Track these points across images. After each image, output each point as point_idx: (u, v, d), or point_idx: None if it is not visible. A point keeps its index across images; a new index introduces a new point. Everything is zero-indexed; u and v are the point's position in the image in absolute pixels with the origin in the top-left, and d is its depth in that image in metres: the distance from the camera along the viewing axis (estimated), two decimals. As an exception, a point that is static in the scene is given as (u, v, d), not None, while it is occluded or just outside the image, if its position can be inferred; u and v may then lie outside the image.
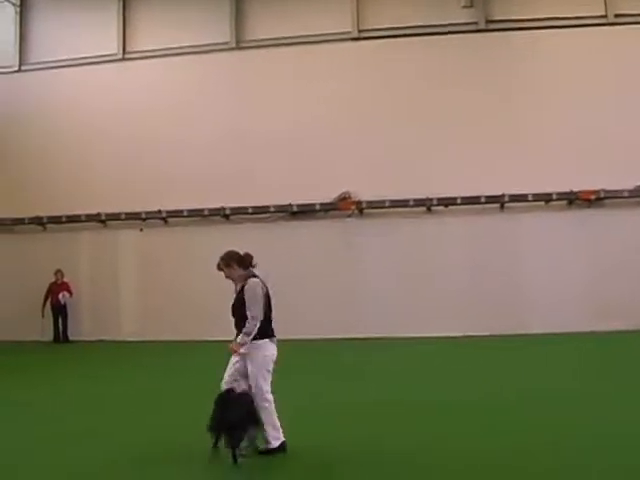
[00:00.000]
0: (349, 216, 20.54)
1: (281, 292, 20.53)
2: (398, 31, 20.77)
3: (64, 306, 21.49)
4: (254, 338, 7.55)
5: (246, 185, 20.68)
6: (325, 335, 19.21)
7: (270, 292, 7.89)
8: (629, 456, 7.23)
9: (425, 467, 7.15)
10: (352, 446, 8.14)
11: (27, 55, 23.24)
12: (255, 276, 7.82)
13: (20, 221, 22.27)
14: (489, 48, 20.46)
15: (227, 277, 7.89)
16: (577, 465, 7.00)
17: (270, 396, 7.61)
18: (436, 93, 20.35)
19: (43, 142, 22.41)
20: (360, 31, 21.10)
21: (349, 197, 20.45)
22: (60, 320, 21.57)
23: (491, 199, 19.75)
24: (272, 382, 7.77)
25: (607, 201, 19.56)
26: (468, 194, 19.71)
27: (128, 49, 22.48)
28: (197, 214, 21.22)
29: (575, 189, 19.36)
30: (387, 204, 20.18)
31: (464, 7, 20.28)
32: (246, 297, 7.61)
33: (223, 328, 7.73)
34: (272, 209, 20.76)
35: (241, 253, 7.88)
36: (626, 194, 19.37)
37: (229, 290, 8.00)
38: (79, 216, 21.82)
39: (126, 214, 21.59)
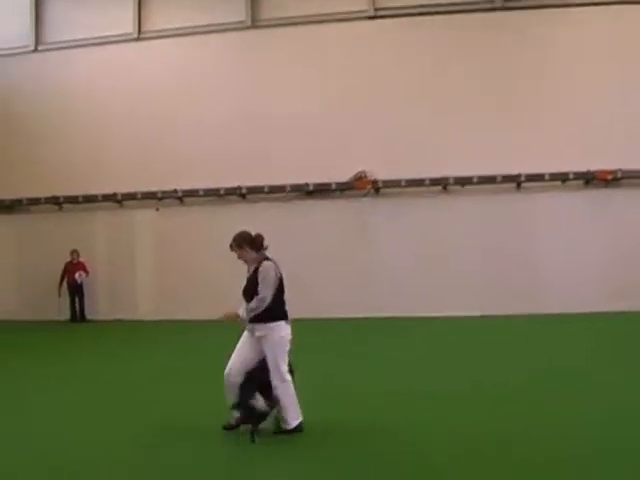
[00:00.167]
0: (365, 195, 20.50)
1: (297, 271, 20.51)
2: (414, 9, 20.59)
3: (80, 285, 21.61)
4: (270, 320, 7.56)
5: (262, 164, 20.66)
6: (341, 315, 19.18)
7: (283, 274, 7.84)
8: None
9: (425, 453, 7.06)
10: (362, 423, 8.26)
11: (43, 35, 23.26)
12: (269, 259, 7.78)
13: (36, 201, 22.39)
14: (506, 27, 20.23)
15: (239, 258, 7.84)
16: (583, 455, 6.81)
17: (288, 376, 7.61)
18: (452, 72, 20.22)
19: (59, 122, 22.47)
20: (376, 9, 20.94)
21: (365, 176, 20.39)
22: (77, 299, 21.72)
23: (507, 178, 19.65)
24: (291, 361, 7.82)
25: (624, 181, 19.41)
26: (484, 173, 19.62)
27: (144, 29, 22.43)
28: (213, 193, 21.24)
29: (592, 169, 19.21)
30: (403, 183, 20.12)
31: (481, -15, 20.15)
32: (260, 279, 7.59)
33: (239, 308, 7.70)
34: (288, 188, 20.75)
35: (252, 234, 7.81)
36: (644, 174, 19.25)
37: (244, 270, 7.98)
38: (95, 196, 21.91)
39: (142, 194, 21.65)
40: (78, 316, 21.61)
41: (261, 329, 7.59)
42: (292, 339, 7.73)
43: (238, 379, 7.57)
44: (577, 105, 19.58)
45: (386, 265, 20.14)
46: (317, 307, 19.07)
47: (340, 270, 20.29)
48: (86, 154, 22.04)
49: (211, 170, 20.94)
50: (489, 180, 19.74)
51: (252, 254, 7.75)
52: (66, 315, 21.53)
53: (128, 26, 22.43)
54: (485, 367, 11.93)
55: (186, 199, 21.56)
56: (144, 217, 21.97)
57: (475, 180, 19.80)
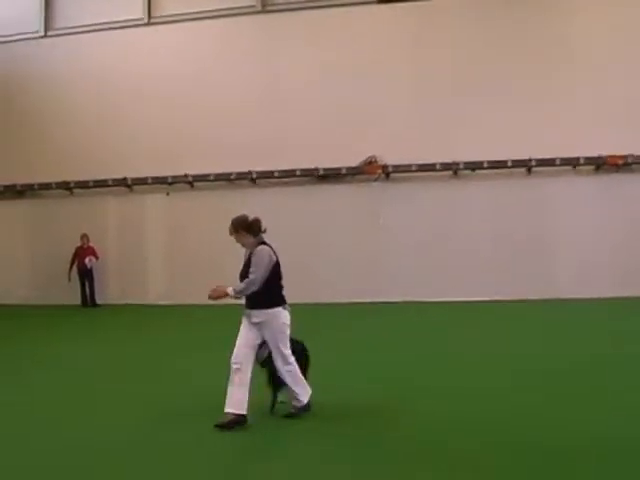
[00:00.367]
0: (375, 180, 20.50)
1: (307, 255, 20.65)
2: (426, -7, 20.59)
3: (90, 270, 21.66)
4: (267, 306, 7.54)
5: (272, 149, 20.65)
6: (351, 299, 19.26)
7: (280, 259, 7.74)
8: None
9: (426, 442, 6.95)
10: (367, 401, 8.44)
11: (52, 20, 23.26)
12: (265, 243, 7.71)
13: (47, 186, 22.43)
14: (516, 12, 20.18)
15: (238, 242, 7.77)
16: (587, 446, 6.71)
17: (292, 359, 7.63)
18: (462, 56, 20.18)
19: (69, 108, 22.51)
20: (387, -7, 20.93)
21: (375, 161, 20.40)
22: (87, 284, 21.77)
23: (518, 163, 19.64)
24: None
25: (635, 166, 19.40)
26: (495, 158, 19.61)
27: (153, 14, 22.42)
28: (224, 178, 21.25)
29: (603, 154, 19.19)
30: (413, 168, 20.11)
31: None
32: (252, 261, 7.55)
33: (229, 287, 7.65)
34: (298, 173, 20.75)
35: (250, 218, 7.71)
36: (655, 159, 19.23)
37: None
38: (106, 181, 21.93)
39: (152, 178, 21.69)
40: (89, 301, 21.67)
41: (259, 315, 7.56)
42: (291, 324, 7.71)
43: (245, 362, 7.48)
44: (588, 90, 19.53)
45: (397, 250, 20.13)
46: (327, 291, 19.18)
47: (350, 255, 20.30)
48: (96, 139, 22.08)
49: (222, 155, 20.95)
50: (500, 165, 19.72)
51: (249, 238, 7.66)
52: (77, 300, 21.55)
53: (138, 11, 22.43)
54: (501, 351, 11.94)
55: (196, 184, 21.59)
56: (154, 202, 22.01)
57: (486, 165, 19.79)
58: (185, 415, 8.04)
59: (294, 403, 7.76)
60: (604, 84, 19.36)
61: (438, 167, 20.02)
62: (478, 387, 8.97)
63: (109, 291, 22.01)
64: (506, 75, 19.90)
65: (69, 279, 21.57)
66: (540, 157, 19.41)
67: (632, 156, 19.16)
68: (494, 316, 16.74)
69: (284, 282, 7.74)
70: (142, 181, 21.81)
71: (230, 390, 7.39)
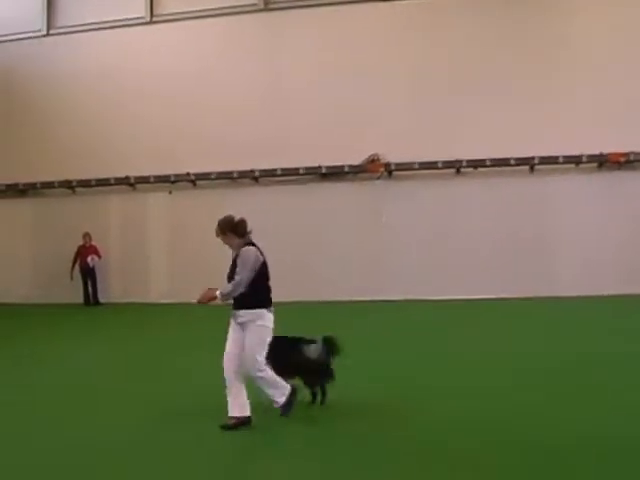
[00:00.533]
0: (378, 178, 20.49)
1: (309, 253, 20.63)
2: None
3: (93, 269, 21.66)
4: (252, 307, 7.46)
5: (275, 147, 20.62)
6: (352, 297, 19.24)
7: (267, 260, 7.67)
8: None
9: (427, 441, 6.95)
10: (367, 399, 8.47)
11: (55, 19, 23.28)
12: (252, 244, 7.63)
13: (49, 185, 22.44)
14: (521, 9, 20.17)
15: (225, 243, 7.69)
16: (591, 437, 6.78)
17: (264, 366, 7.46)
18: (465, 54, 20.18)
19: (71, 106, 22.51)
20: (389, -9, 20.90)
21: (378, 159, 20.39)
22: (89, 283, 21.77)
23: (521, 161, 19.62)
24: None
25: (637, 163, 19.39)
26: (497, 156, 19.59)
27: (155, 12, 22.42)
28: (226, 176, 21.24)
29: (605, 151, 19.17)
30: (416, 166, 20.09)
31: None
32: (238, 262, 7.48)
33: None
34: (301, 171, 20.73)
35: (235, 220, 7.62)
36: (657, 157, 19.19)
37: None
38: (108, 179, 21.94)
39: (155, 177, 21.68)
40: (91, 299, 21.67)
41: (243, 315, 7.49)
42: (274, 328, 7.61)
43: (235, 374, 7.45)
44: (590, 88, 19.49)
45: (399, 248, 20.12)
46: (329, 289, 19.16)
47: (352, 253, 20.28)
48: (99, 138, 22.07)
49: (224, 153, 20.92)
50: (502, 163, 19.70)
51: (235, 239, 7.59)
52: (79, 299, 21.55)
53: (140, 10, 22.43)
54: (502, 350, 11.94)
55: (199, 182, 21.58)
56: (157, 200, 22.00)
57: (488, 163, 19.77)
58: (186, 414, 8.06)
59: (274, 405, 7.64)
60: (604, 83, 19.32)
61: (440, 165, 20.00)
62: (479, 386, 8.98)
63: (111, 290, 22.02)
64: (507, 74, 19.87)
65: (71, 278, 21.54)
66: (543, 155, 19.43)
67: (634, 153, 19.15)
68: (496, 314, 16.74)
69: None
70: (144, 180, 21.81)
71: (230, 400, 7.41)
